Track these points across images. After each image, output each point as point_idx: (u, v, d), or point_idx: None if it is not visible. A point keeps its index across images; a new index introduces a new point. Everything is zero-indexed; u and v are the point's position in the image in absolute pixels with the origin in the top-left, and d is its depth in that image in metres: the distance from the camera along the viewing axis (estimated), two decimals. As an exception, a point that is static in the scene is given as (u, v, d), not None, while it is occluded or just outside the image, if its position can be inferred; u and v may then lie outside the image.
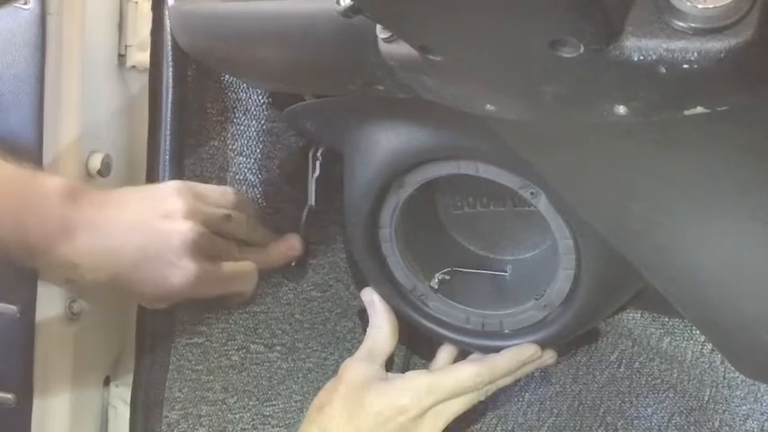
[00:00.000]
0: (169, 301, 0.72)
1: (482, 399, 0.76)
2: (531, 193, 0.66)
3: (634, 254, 0.59)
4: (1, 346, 0.74)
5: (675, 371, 0.85)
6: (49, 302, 0.74)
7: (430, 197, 0.78)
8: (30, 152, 0.71)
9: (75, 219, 0.65)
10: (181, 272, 0.68)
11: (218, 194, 0.75)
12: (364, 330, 0.85)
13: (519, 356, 0.75)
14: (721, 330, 0.62)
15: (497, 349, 0.77)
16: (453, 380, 0.75)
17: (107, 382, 0.83)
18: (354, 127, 0.72)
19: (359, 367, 0.77)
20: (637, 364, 0.87)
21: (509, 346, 0.76)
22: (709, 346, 0.83)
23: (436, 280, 0.77)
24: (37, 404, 0.74)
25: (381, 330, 0.79)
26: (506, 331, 0.76)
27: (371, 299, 0.81)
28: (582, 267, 0.68)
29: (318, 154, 0.82)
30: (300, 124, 0.80)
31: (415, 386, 0.74)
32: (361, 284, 0.88)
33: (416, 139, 0.68)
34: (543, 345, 0.76)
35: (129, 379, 0.81)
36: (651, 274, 0.61)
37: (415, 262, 0.78)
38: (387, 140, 0.69)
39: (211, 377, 0.83)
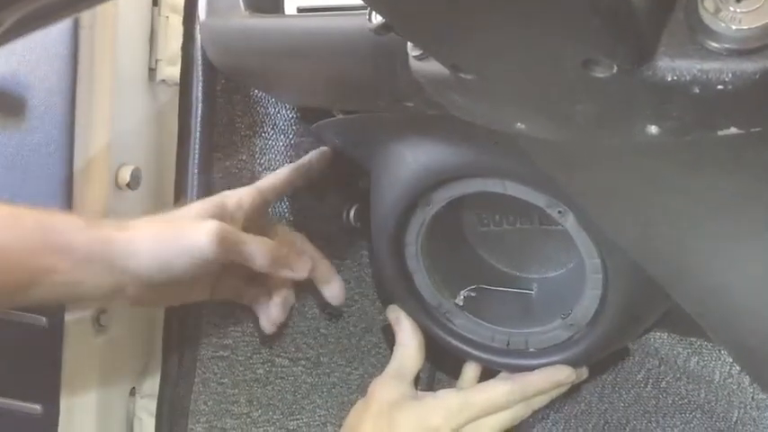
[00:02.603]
0: None
1: (516, 422, 0.76)
2: (559, 212, 0.66)
3: (662, 274, 0.59)
4: (29, 357, 0.74)
5: (703, 391, 0.85)
6: (77, 314, 0.75)
7: (456, 214, 0.78)
8: (60, 164, 0.72)
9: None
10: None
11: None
12: (389, 346, 0.85)
13: (553, 377, 0.75)
14: (750, 353, 0.62)
15: (522, 368, 0.77)
16: (485, 398, 0.75)
17: (133, 393, 0.84)
18: (382, 144, 0.72)
19: (389, 386, 0.77)
20: (664, 383, 0.87)
21: (534, 365, 0.76)
22: (738, 366, 0.83)
23: (461, 297, 0.77)
24: (63, 415, 0.75)
25: (408, 348, 0.79)
26: (531, 350, 0.76)
27: (398, 316, 0.80)
28: (609, 287, 0.68)
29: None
30: (328, 140, 0.80)
31: (447, 405, 0.74)
32: (387, 300, 0.88)
33: (443, 156, 0.68)
34: (569, 364, 0.75)
35: (155, 391, 0.82)
36: (679, 295, 0.60)
37: (441, 279, 0.78)
38: (414, 158, 0.69)
39: (236, 390, 0.83)
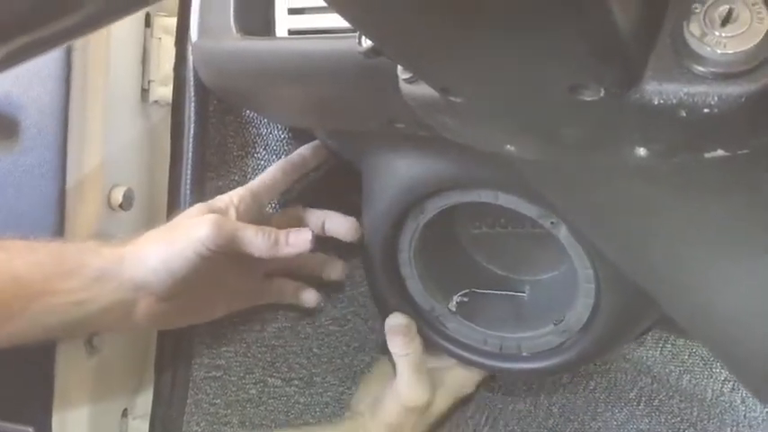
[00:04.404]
0: None
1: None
2: (551, 223, 0.66)
3: (653, 289, 0.59)
4: (21, 379, 0.74)
5: (695, 409, 0.85)
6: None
7: (449, 219, 0.78)
8: (53, 185, 0.72)
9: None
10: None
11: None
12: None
13: None
14: (743, 365, 0.62)
15: (515, 372, 0.77)
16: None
17: (125, 414, 0.83)
18: (374, 151, 0.73)
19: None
20: (656, 401, 0.87)
21: (527, 369, 0.76)
22: (730, 384, 0.83)
23: (454, 302, 0.78)
24: (55, 437, 0.75)
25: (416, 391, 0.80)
26: (524, 354, 0.76)
27: (406, 353, 0.79)
28: (601, 296, 0.68)
29: None
30: (323, 139, 0.80)
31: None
32: (381, 303, 0.88)
33: (435, 168, 0.68)
34: (562, 369, 0.76)
35: (148, 411, 0.82)
36: (670, 308, 0.61)
37: (434, 283, 0.78)
38: (406, 168, 0.70)
39: (229, 411, 0.83)
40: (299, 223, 0.79)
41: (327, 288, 0.87)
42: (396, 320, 0.78)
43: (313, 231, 0.72)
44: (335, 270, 0.85)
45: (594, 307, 0.69)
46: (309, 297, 0.83)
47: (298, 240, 0.72)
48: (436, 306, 0.78)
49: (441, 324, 0.79)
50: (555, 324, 0.73)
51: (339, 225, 0.79)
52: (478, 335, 0.78)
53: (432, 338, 0.79)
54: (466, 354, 0.79)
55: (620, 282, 0.66)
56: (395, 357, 0.79)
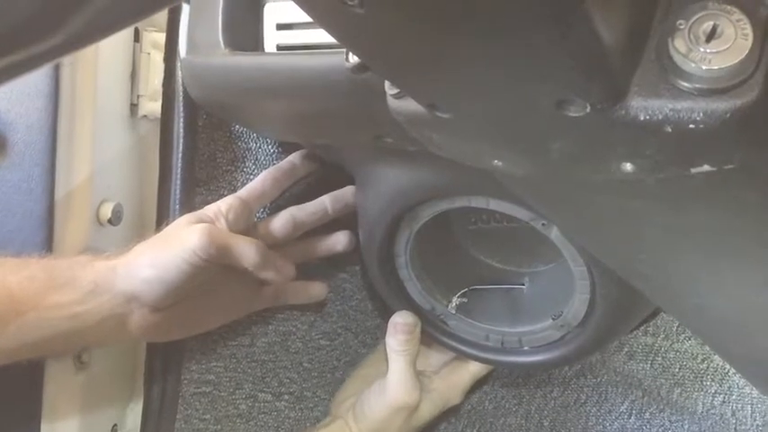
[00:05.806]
0: None
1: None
2: (543, 225, 0.67)
3: (646, 292, 0.60)
4: (9, 395, 0.74)
5: (686, 422, 0.85)
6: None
7: (444, 219, 0.79)
8: (41, 201, 0.72)
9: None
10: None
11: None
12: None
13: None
14: (736, 359, 0.63)
15: (517, 365, 0.80)
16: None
17: (114, 430, 0.83)
18: (365, 160, 0.73)
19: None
20: (647, 414, 0.87)
21: (528, 363, 0.78)
22: (720, 397, 0.83)
23: (454, 304, 0.79)
24: (44, 454, 0.74)
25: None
26: (525, 348, 0.77)
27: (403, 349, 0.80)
28: (597, 291, 0.69)
29: None
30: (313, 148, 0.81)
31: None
32: (371, 332, 0.88)
33: (426, 178, 0.68)
34: (564, 361, 0.77)
35: (137, 427, 0.81)
36: (664, 309, 0.61)
37: (433, 283, 0.79)
38: (396, 178, 0.70)
39: (219, 427, 0.82)
40: (289, 229, 0.79)
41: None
42: (403, 318, 0.79)
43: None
44: (318, 290, 0.86)
45: (591, 302, 0.70)
46: (318, 290, 0.84)
47: (283, 270, 0.75)
48: (436, 305, 0.79)
49: (442, 322, 0.80)
50: (553, 319, 0.74)
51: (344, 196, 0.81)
52: (480, 331, 0.79)
53: (434, 336, 0.81)
54: (468, 349, 0.80)
55: (614, 277, 0.66)
56: (390, 353, 0.79)
